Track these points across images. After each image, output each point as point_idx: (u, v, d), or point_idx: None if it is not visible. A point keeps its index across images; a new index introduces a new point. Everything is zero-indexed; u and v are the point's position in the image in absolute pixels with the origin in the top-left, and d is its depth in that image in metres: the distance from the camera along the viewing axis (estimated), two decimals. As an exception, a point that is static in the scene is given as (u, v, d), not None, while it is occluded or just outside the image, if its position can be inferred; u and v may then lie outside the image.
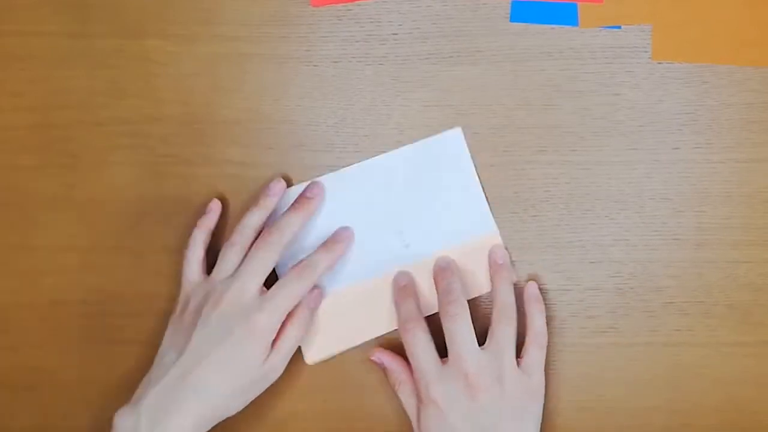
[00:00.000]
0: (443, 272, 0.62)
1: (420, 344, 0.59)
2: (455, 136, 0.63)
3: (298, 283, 0.59)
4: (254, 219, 0.61)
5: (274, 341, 0.59)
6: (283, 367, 0.60)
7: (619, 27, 0.63)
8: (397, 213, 0.63)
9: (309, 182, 0.63)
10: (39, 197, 0.64)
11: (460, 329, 0.59)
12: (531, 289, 0.62)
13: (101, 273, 0.64)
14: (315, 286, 0.61)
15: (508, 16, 0.63)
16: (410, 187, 0.63)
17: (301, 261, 0.60)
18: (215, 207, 0.62)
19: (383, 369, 0.62)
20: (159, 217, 0.64)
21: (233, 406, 0.59)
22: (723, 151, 0.63)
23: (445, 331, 0.59)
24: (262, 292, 0.59)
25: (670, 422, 0.63)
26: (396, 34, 0.63)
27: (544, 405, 0.60)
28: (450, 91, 0.63)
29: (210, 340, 0.57)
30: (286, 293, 0.59)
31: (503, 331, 0.59)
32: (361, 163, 0.63)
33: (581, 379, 0.63)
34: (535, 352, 0.60)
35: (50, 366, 0.64)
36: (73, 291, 0.64)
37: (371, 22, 0.63)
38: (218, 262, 0.60)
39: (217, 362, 0.57)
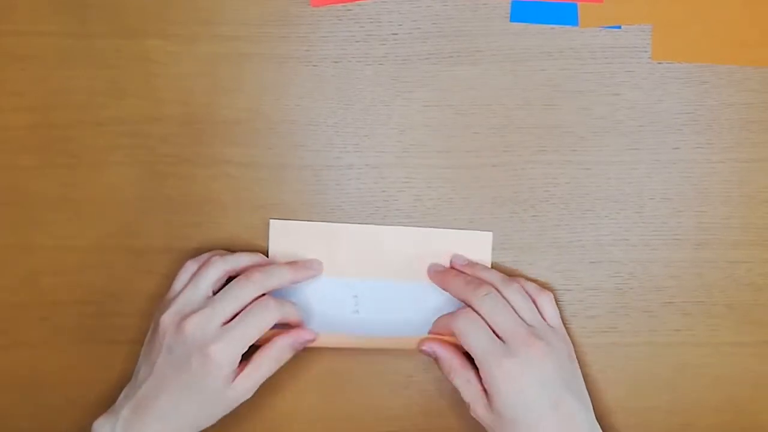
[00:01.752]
0: (447, 273, 0.62)
1: (480, 328, 0.58)
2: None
3: (261, 315, 0.58)
4: (242, 259, 0.61)
5: (245, 365, 0.58)
6: (254, 390, 0.59)
7: (619, 27, 0.63)
8: (391, 283, 0.63)
9: (312, 259, 0.63)
10: (39, 197, 0.64)
11: (499, 305, 0.58)
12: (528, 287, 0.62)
13: (101, 273, 0.64)
14: (309, 331, 0.61)
15: (508, 16, 0.63)
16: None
17: (255, 271, 0.60)
18: (221, 252, 0.62)
19: (435, 359, 0.61)
20: (159, 217, 0.64)
21: (202, 425, 0.58)
22: (723, 151, 0.63)
23: (483, 313, 0.58)
24: (226, 324, 0.58)
25: (670, 422, 0.63)
26: (396, 34, 0.63)
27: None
28: (450, 91, 0.63)
29: (172, 367, 0.57)
30: (247, 324, 0.58)
31: (518, 300, 0.59)
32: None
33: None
34: (549, 310, 0.61)
35: (50, 366, 0.64)
36: (73, 291, 0.64)
37: (371, 22, 0.63)
38: (193, 279, 0.59)
39: (178, 390, 0.57)
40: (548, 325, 0.60)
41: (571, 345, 0.61)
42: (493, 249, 0.63)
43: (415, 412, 0.64)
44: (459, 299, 0.60)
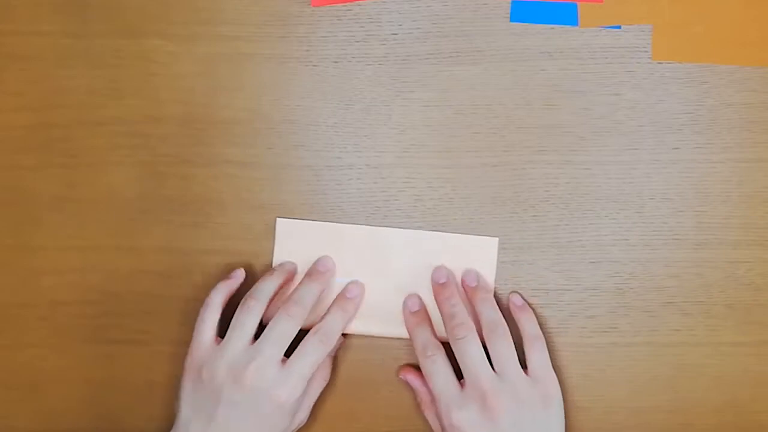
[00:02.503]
0: (444, 291, 0.62)
1: (440, 372, 0.59)
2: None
3: (318, 351, 0.59)
4: (270, 285, 0.61)
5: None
6: (308, 414, 0.61)
7: (619, 27, 0.63)
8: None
9: (318, 258, 0.63)
10: (39, 197, 0.64)
11: (470, 351, 0.59)
12: (514, 299, 0.62)
13: (101, 273, 0.64)
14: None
15: (508, 16, 0.63)
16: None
17: (319, 327, 0.60)
18: (239, 275, 0.62)
19: (411, 388, 0.63)
20: (159, 217, 0.64)
21: None
22: (723, 151, 0.63)
23: (456, 355, 0.59)
24: (282, 362, 0.59)
25: (670, 422, 0.63)
26: (396, 34, 0.63)
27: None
28: (450, 91, 0.63)
29: (237, 417, 0.57)
30: (307, 362, 0.59)
31: (498, 347, 0.59)
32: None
33: (581, 379, 0.63)
34: (536, 356, 0.60)
35: (50, 366, 0.64)
36: (73, 291, 0.64)
37: (371, 22, 0.63)
38: (234, 327, 0.59)
39: None
40: (526, 375, 0.59)
41: (555, 392, 0.60)
42: (493, 249, 0.64)
43: (414, 412, 0.64)
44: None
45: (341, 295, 0.62)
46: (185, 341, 0.63)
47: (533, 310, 0.62)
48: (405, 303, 0.63)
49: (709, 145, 0.63)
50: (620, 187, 0.63)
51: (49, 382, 0.64)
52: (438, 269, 0.63)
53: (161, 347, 0.64)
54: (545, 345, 0.61)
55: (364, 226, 0.63)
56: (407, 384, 0.63)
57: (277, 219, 0.63)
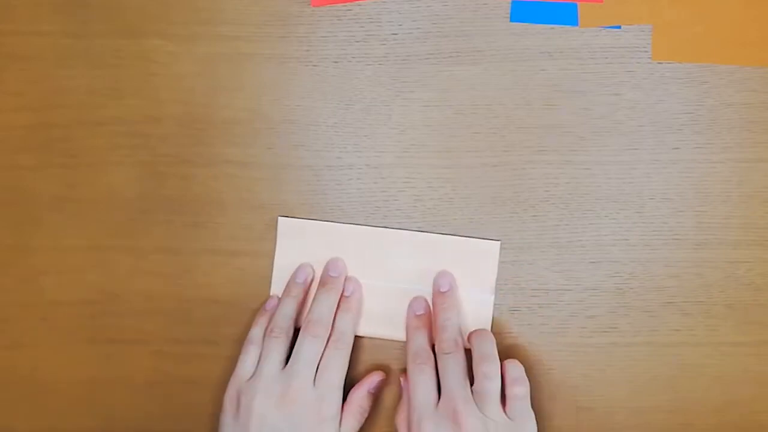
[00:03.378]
0: (443, 300, 0.62)
1: (424, 383, 0.59)
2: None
3: (339, 357, 0.60)
4: (289, 308, 0.61)
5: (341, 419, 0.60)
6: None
7: (619, 27, 0.63)
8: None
9: (328, 261, 0.63)
10: (39, 197, 0.64)
11: (451, 368, 0.59)
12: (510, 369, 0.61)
13: (101, 273, 0.64)
14: (377, 373, 0.63)
15: (508, 16, 0.63)
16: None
17: (331, 334, 0.60)
18: (273, 303, 0.62)
19: (376, 395, 0.63)
20: (159, 217, 0.64)
21: None
22: (723, 151, 0.63)
23: (438, 366, 0.59)
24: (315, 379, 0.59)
25: (670, 422, 0.63)
26: (396, 34, 0.63)
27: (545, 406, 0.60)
28: (450, 91, 0.63)
29: None
30: (335, 373, 0.59)
31: (483, 385, 0.58)
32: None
33: (581, 379, 0.63)
34: (514, 402, 0.59)
35: (50, 366, 0.64)
36: (73, 291, 0.64)
37: (371, 22, 0.63)
38: (263, 358, 0.59)
39: None
40: (503, 411, 0.58)
41: (530, 429, 0.59)
42: (493, 249, 0.64)
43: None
44: None
45: (341, 297, 0.62)
46: (185, 341, 0.63)
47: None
48: (410, 304, 0.63)
49: (709, 145, 0.63)
50: (620, 187, 0.63)
51: (49, 382, 0.64)
52: (443, 275, 0.63)
53: (161, 347, 0.64)
54: (526, 390, 0.59)
55: (366, 226, 0.63)
56: (374, 393, 0.63)
57: (279, 218, 0.63)
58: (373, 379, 0.62)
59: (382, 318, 0.63)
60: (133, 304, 0.64)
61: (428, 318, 0.62)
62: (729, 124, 0.63)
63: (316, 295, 0.62)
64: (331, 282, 0.62)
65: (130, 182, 0.64)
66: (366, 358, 0.64)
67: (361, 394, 0.61)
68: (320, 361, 0.60)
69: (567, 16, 0.63)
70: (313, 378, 0.59)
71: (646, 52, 0.63)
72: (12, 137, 0.64)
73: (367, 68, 0.63)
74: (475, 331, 0.61)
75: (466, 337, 0.62)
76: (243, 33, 0.63)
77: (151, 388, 0.64)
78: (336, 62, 0.63)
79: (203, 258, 0.64)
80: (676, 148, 0.63)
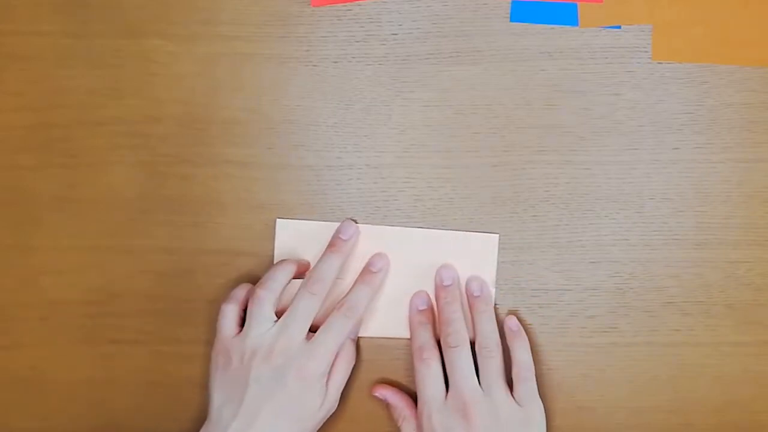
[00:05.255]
0: (446, 294, 0.62)
1: (431, 376, 0.59)
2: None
3: (344, 324, 0.59)
4: (280, 276, 0.61)
5: (327, 379, 0.59)
6: (338, 397, 0.60)
7: (619, 27, 0.63)
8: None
9: (343, 221, 0.63)
10: (39, 197, 0.64)
11: (459, 361, 0.59)
12: (510, 324, 0.62)
13: (101, 273, 0.64)
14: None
15: (508, 16, 0.63)
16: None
17: (344, 301, 0.60)
18: (262, 293, 0.61)
19: (386, 404, 0.62)
20: (159, 217, 0.64)
21: None
22: (723, 151, 0.63)
23: (445, 360, 0.60)
24: (307, 338, 0.59)
25: (670, 422, 0.63)
26: (396, 34, 0.63)
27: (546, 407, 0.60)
28: (450, 91, 0.63)
29: (266, 395, 0.57)
30: (333, 336, 0.59)
31: (487, 365, 0.59)
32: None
33: (581, 379, 0.63)
34: (522, 386, 0.60)
35: (50, 366, 0.64)
36: (73, 291, 0.64)
37: (371, 22, 0.63)
38: (250, 318, 0.59)
39: (274, 414, 0.57)
40: (512, 397, 0.59)
41: (538, 418, 0.59)
42: (493, 249, 0.64)
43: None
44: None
45: (366, 270, 0.62)
46: (185, 341, 0.63)
47: (528, 332, 0.62)
48: (413, 299, 0.63)
49: (709, 145, 0.63)
50: (620, 187, 0.63)
51: (49, 382, 0.64)
52: (445, 269, 0.63)
53: (161, 347, 0.64)
54: (533, 376, 0.60)
55: (363, 225, 0.63)
56: (383, 401, 0.62)
57: (277, 219, 0.63)
58: (354, 330, 0.62)
59: (384, 317, 0.63)
60: (133, 304, 0.64)
61: (431, 313, 0.62)
62: (729, 124, 0.63)
63: (322, 255, 0.61)
64: (339, 244, 0.62)
65: (130, 182, 0.64)
66: (368, 358, 0.63)
67: (349, 342, 0.61)
68: (324, 323, 0.59)
69: (567, 16, 0.63)
70: (304, 335, 0.58)
71: (646, 52, 0.63)
72: (12, 137, 0.64)
73: (367, 68, 0.63)
74: (478, 308, 0.62)
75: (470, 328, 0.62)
76: (243, 33, 0.63)
77: (151, 388, 0.64)
78: (336, 62, 0.63)
79: (203, 258, 0.64)
80: (676, 148, 0.63)
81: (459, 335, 0.60)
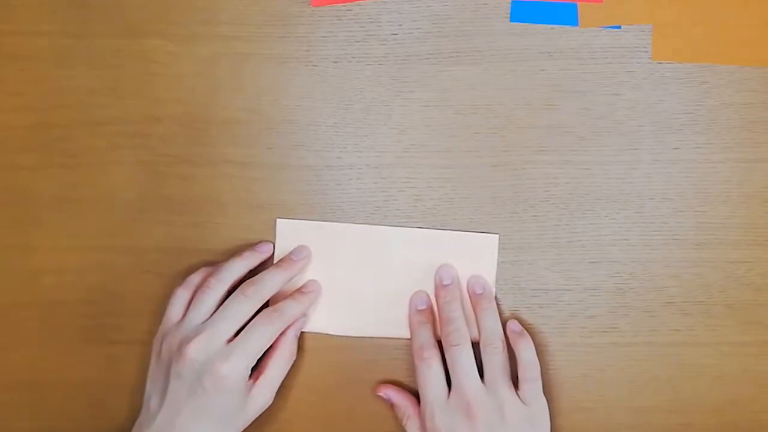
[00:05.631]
0: (446, 293, 0.62)
1: (432, 376, 0.59)
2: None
3: (266, 328, 0.59)
4: (236, 267, 0.61)
5: (258, 375, 0.59)
6: (272, 395, 0.60)
7: (619, 27, 0.63)
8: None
9: (296, 247, 0.63)
10: (39, 197, 0.64)
11: (460, 359, 0.59)
12: (512, 326, 0.62)
13: (101, 273, 0.64)
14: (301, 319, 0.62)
15: (508, 16, 0.63)
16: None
17: (273, 307, 0.60)
18: (212, 281, 0.61)
19: (390, 404, 0.62)
20: (159, 217, 0.64)
21: None
22: (723, 151, 0.63)
23: (447, 359, 0.60)
24: (230, 341, 0.58)
25: (670, 422, 0.63)
26: (396, 34, 0.63)
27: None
28: (450, 91, 0.63)
29: (184, 392, 0.57)
30: (253, 338, 0.58)
31: (491, 361, 0.59)
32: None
33: (581, 379, 0.63)
34: (528, 385, 0.60)
35: (50, 366, 0.64)
36: (73, 291, 0.64)
37: (371, 22, 0.63)
38: (193, 304, 0.59)
39: (195, 412, 0.57)
40: (516, 395, 0.59)
41: (542, 417, 0.60)
42: (493, 249, 0.64)
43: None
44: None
45: (297, 290, 0.62)
46: (185, 341, 0.63)
47: (531, 336, 0.62)
48: (412, 299, 0.63)
49: (709, 145, 0.63)
50: (620, 187, 0.63)
51: (49, 382, 0.64)
52: (445, 268, 0.63)
53: (161, 347, 0.64)
54: (538, 375, 0.60)
55: (363, 225, 0.63)
56: (387, 401, 0.62)
57: (277, 219, 0.63)
58: (297, 324, 0.61)
59: (384, 317, 0.63)
60: (133, 304, 0.64)
61: (431, 312, 0.62)
62: (729, 124, 0.63)
63: (269, 268, 0.61)
64: (288, 263, 0.62)
65: (130, 182, 0.64)
66: (368, 358, 0.64)
67: (287, 338, 0.60)
68: (247, 325, 0.59)
69: (567, 16, 0.63)
70: (227, 336, 0.58)
71: (646, 52, 0.63)
72: (12, 137, 0.64)
73: (367, 68, 0.63)
74: (481, 306, 0.62)
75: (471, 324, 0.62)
76: (243, 33, 0.63)
77: (151, 388, 0.64)
78: (336, 62, 0.63)
79: (203, 258, 0.64)
80: (676, 148, 0.63)
81: (460, 333, 0.60)
